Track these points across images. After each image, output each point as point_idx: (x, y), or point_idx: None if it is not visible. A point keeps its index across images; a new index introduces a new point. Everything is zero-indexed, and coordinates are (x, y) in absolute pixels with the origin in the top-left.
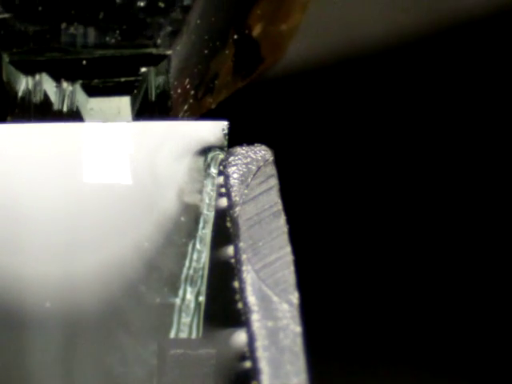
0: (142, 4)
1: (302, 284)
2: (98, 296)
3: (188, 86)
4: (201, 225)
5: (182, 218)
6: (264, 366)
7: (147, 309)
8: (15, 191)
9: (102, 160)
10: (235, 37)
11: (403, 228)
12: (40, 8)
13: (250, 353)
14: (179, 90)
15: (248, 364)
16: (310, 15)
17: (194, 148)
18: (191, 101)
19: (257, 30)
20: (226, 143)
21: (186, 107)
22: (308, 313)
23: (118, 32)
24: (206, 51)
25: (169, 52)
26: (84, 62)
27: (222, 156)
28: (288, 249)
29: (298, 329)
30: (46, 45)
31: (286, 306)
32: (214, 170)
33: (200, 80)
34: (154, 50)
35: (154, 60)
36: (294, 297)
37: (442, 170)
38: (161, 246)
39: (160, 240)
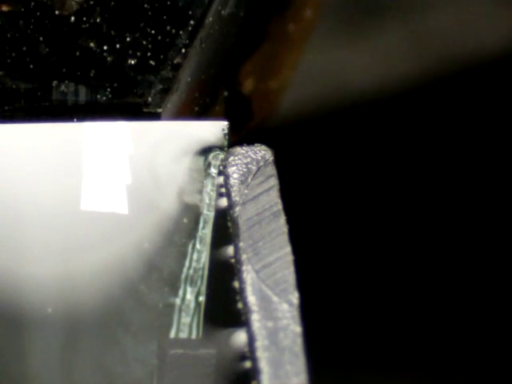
0: (132, 62)
1: (302, 284)
2: (97, 296)
3: None
4: (201, 225)
5: (183, 218)
6: (264, 365)
7: (147, 309)
8: (15, 190)
9: (102, 159)
10: (226, 93)
11: (403, 228)
12: (31, 66)
13: (250, 353)
14: None
15: (248, 364)
16: (299, 69)
17: (194, 148)
18: None
19: (247, 87)
20: (226, 143)
21: None
22: (308, 313)
23: (108, 90)
24: (196, 108)
25: (159, 110)
26: (75, 120)
27: (222, 156)
28: (288, 249)
29: (297, 329)
30: (37, 102)
31: (285, 306)
32: (214, 170)
33: None
34: (144, 108)
35: (145, 118)
36: (294, 297)
37: (440, 173)
38: (161, 246)
39: (160, 240)
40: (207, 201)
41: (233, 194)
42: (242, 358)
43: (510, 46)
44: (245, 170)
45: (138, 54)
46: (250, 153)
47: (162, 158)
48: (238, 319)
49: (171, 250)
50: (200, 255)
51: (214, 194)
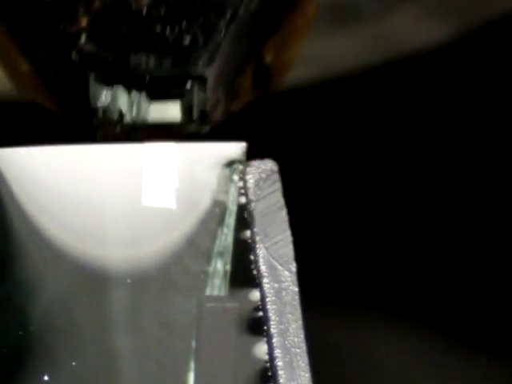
0: (187, 41)
1: (298, 257)
2: (156, 266)
3: (220, 95)
4: (227, 215)
5: (214, 211)
6: (271, 315)
7: (190, 274)
8: (99, 196)
9: (157, 170)
10: (254, 62)
11: (392, 194)
12: (115, 43)
13: (261, 305)
14: (214, 97)
15: (260, 313)
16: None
17: (222, 161)
18: (222, 105)
19: (268, 59)
20: (244, 158)
21: (218, 110)
22: (303, 277)
23: (171, 59)
24: (232, 72)
25: (207, 72)
26: (147, 79)
27: (241, 167)
28: (288, 232)
29: (295, 289)
30: (120, 68)
31: (287, 273)
32: (236, 177)
33: (228, 91)
34: (196, 71)
35: (196, 78)
36: (293, 266)
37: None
38: (199, 230)
39: (198, 226)
40: (231, 198)
41: (249, 194)
42: (256, 309)
43: (437, 47)
44: (258, 177)
45: (193, 34)
46: (261, 165)
47: (200, 169)
48: (254, 282)
49: (206, 232)
50: (227, 237)
51: (236, 194)
